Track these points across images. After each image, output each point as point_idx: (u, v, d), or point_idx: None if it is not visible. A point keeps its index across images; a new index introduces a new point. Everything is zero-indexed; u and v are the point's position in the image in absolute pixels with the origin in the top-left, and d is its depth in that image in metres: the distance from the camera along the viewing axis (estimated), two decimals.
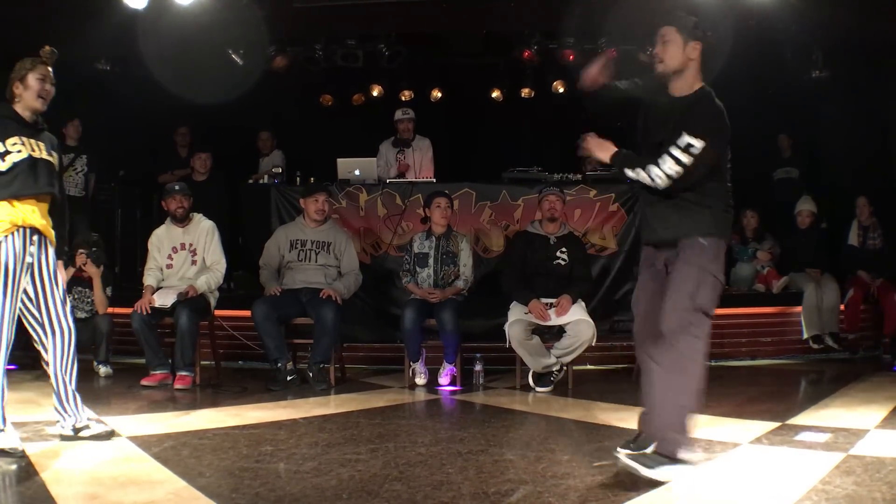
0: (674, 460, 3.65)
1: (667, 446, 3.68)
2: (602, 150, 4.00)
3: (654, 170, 3.74)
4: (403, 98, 11.13)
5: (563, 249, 6.83)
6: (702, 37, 3.95)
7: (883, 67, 9.02)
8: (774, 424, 4.93)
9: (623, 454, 3.79)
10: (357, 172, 8.67)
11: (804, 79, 10.46)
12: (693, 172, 3.71)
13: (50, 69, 4.40)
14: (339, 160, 8.77)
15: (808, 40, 9.95)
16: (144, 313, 6.41)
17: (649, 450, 3.80)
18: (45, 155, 4.37)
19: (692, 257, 3.79)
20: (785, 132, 10.80)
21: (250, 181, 9.38)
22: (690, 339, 3.68)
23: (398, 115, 9.67)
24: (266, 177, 9.11)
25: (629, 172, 3.86)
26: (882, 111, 9.07)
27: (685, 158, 3.68)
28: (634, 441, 4.02)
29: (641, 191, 4.06)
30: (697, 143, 3.66)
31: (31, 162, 4.28)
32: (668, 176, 3.71)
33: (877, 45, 9.46)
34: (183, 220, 6.88)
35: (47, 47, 4.41)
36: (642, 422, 4.00)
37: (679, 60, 3.93)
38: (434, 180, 8.81)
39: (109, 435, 4.46)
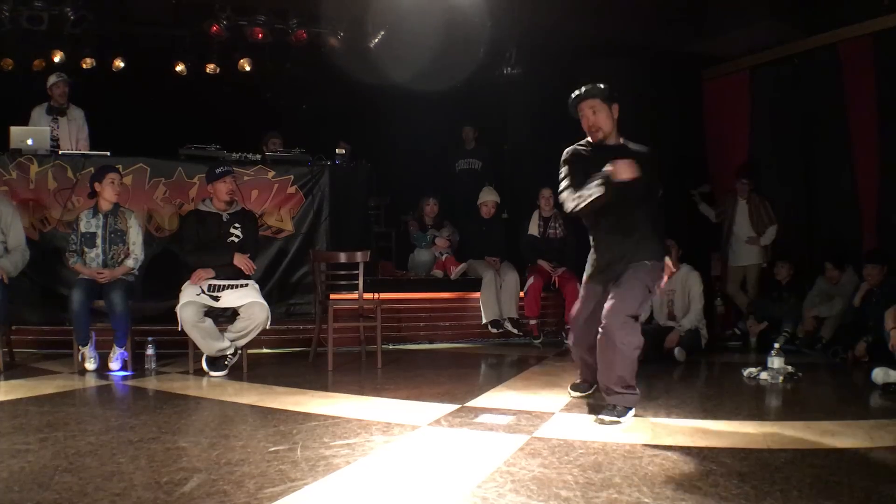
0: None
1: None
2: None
3: None
4: (85, 66, 10.76)
5: (237, 225, 6.86)
6: (618, 99, 4.88)
7: (574, 66, 9.61)
8: (454, 407, 5.08)
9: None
10: (30, 142, 8.18)
11: (496, 74, 11.09)
12: None
13: None
14: (13, 128, 8.23)
15: (504, 38, 10.54)
16: None
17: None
18: None
19: None
20: (470, 124, 11.40)
21: None
22: None
23: (53, 79, 9.17)
24: None
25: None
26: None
27: None
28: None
29: None
30: None
31: None
32: None
33: (568, 44, 10.18)
34: None
35: None
36: None
37: (611, 124, 4.89)
38: (108, 153, 8.33)
39: None
